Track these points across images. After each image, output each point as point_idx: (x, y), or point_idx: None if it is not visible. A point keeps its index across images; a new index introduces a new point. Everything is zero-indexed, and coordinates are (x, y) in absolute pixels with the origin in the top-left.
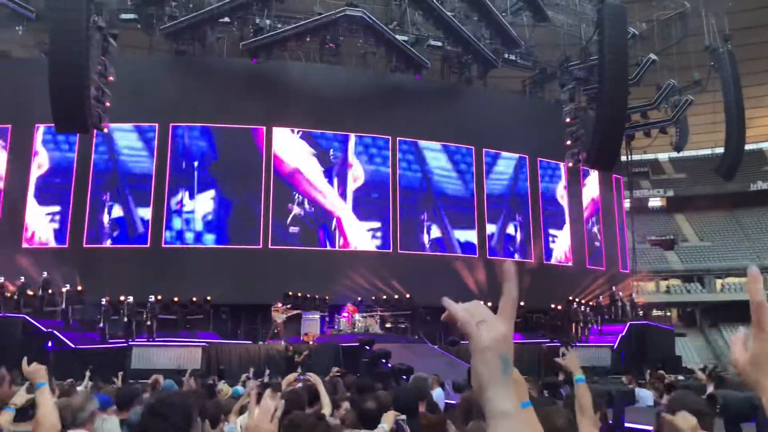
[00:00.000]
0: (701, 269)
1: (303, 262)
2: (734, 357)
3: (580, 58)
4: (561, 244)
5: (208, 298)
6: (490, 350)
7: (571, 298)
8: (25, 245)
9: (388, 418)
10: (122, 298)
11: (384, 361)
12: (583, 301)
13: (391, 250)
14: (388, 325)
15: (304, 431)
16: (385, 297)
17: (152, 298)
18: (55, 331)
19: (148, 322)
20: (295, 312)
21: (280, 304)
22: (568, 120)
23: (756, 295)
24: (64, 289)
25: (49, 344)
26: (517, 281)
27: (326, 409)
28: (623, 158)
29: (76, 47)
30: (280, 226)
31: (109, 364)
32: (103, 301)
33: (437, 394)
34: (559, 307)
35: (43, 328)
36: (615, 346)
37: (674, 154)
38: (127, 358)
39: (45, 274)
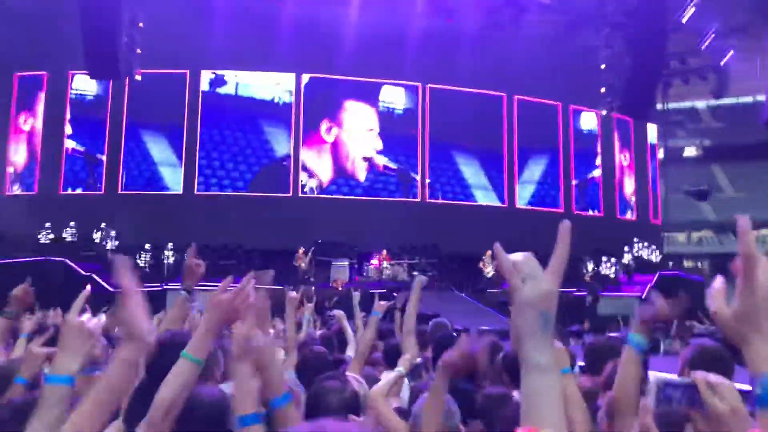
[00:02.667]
0: (735, 220)
1: (332, 210)
2: (715, 310)
3: (617, 0)
4: (592, 193)
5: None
6: (530, 306)
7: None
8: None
9: (404, 363)
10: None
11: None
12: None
13: (419, 199)
14: (415, 273)
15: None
16: (412, 246)
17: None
18: (93, 275)
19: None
20: (321, 260)
21: (301, 250)
22: (602, 66)
23: (746, 247)
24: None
25: (88, 288)
26: (569, 243)
27: (351, 348)
28: (659, 106)
29: None
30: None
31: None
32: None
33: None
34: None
35: (82, 272)
36: (643, 296)
37: (713, 102)
38: (162, 301)
39: (73, 224)
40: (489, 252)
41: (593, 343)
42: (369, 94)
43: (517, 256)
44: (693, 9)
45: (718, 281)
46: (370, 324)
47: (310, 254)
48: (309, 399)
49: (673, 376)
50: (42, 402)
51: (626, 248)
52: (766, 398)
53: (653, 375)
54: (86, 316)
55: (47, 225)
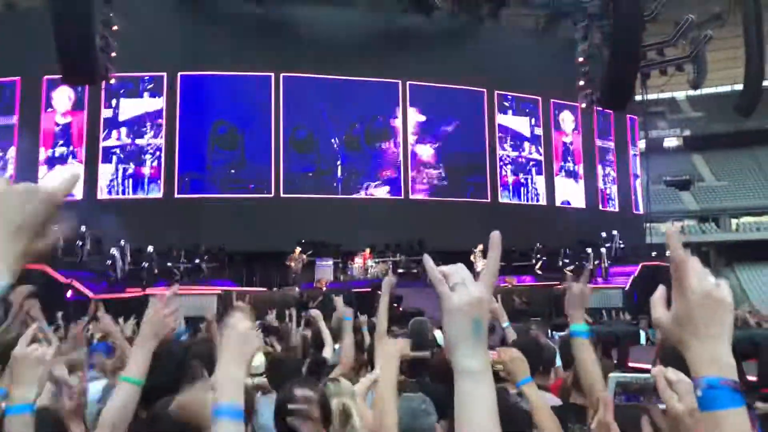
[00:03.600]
0: (717, 209)
1: (315, 210)
2: (656, 317)
3: None
4: (573, 187)
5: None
6: (460, 312)
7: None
8: None
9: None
10: (140, 247)
11: (396, 305)
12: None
13: (402, 196)
14: (400, 271)
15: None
16: (397, 243)
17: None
18: (74, 281)
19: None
20: (310, 260)
21: (298, 251)
22: (581, 59)
23: (675, 252)
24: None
25: (69, 294)
26: (501, 252)
27: (328, 348)
28: (638, 98)
29: None
30: (291, 173)
31: (127, 313)
32: (116, 251)
33: (438, 336)
34: (568, 250)
35: (63, 279)
36: (627, 287)
37: (692, 92)
38: (145, 306)
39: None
40: (480, 246)
41: (566, 337)
42: (349, 92)
43: (447, 267)
44: None
45: (659, 290)
46: (344, 329)
47: (305, 256)
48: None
49: (633, 374)
50: None
51: (604, 244)
52: (705, 401)
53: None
54: (33, 346)
55: (83, 230)
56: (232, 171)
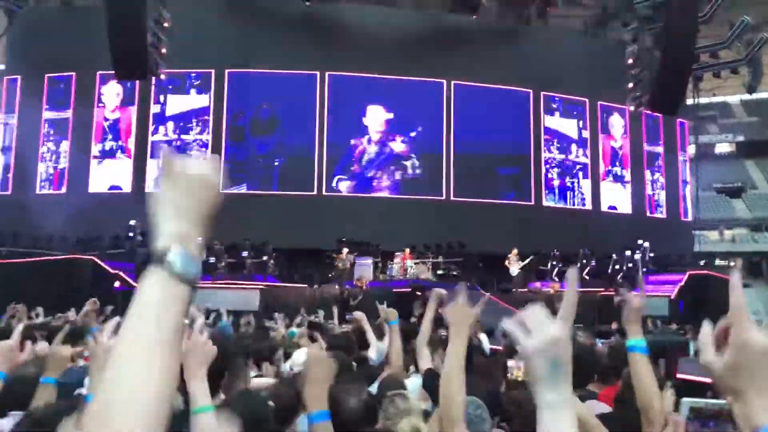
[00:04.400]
0: None
1: (356, 209)
2: (707, 361)
3: None
4: (620, 192)
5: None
6: (535, 356)
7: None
8: (91, 190)
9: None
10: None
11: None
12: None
13: (444, 197)
14: (440, 272)
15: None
16: (437, 244)
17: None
18: (121, 272)
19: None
20: (363, 261)
21: (345, 251)
22: (630, 61)
23: (737, 299)
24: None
25: (117, 285)
26: (577, 288)
27: (373, 348)
28: (689, 101)
29: None
30: (334, 173)
31: None
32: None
33: (483, 340)
34: (614, 256)
35: (110, 270)
36: (673, 296)
37: (746, 97)
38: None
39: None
40: (515, 250)
41: (617, 345)
42: (394, 91)
43: (523, 315)
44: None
45: (706, 330)
46: (392, 333)
47: (352, 257)
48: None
49: (707, 400)
50: None
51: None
52: None
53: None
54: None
55: (132, 223)
56: (275, 167)
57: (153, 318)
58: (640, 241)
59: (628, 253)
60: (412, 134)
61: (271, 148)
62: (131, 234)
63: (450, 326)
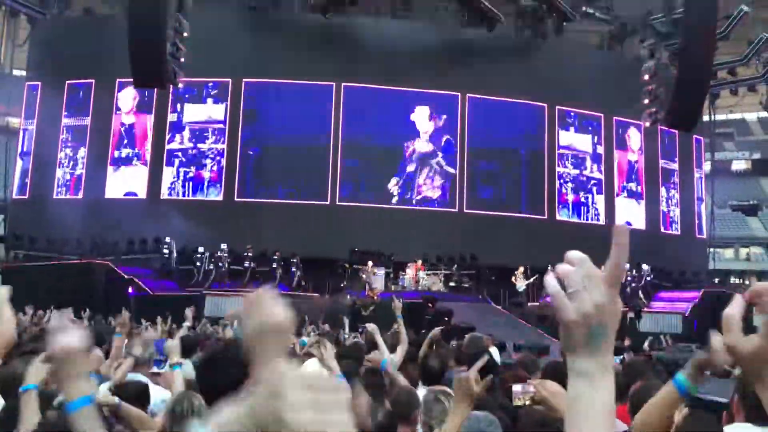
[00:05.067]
0: None
1: (369, 219)
2: (732, 341)
3: (663, 11)
4: (635, 208)
5: (278, 252)
6: (575, 324)
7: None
8: (107, 196)
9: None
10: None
11: (446, 319)
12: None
13: (456, 209)
14: (452, 284)
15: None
16: (449, 256)
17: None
18: (135, 278)
19: (222, 269)
20: (379, 271)
21: (370, 264)
22: (646, 77)
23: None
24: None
25: (130, 290)
26: (626, 247)
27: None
28: (706, 118)
29: (155, 3)
30: (347, 183)
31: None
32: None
33: (494, 353)
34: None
35: (124, 275)
36: (687, 313)
37: (763, 114)
38: (201, 306)
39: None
40: (521, 267)
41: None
42: (408, 104)
43: (567, 268)
44: (743, 17)
45: (735, 307)
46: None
47: (376, 270)
48: None
49: None
50: None
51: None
52: None
53: None
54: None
55: (249, 247)
56: (291, 177)
57: None
58: (644, 266)
59: (645, 267)
60: (424, 147)
61: (285, 158)
62: (164, 247)
63: (455, 396)
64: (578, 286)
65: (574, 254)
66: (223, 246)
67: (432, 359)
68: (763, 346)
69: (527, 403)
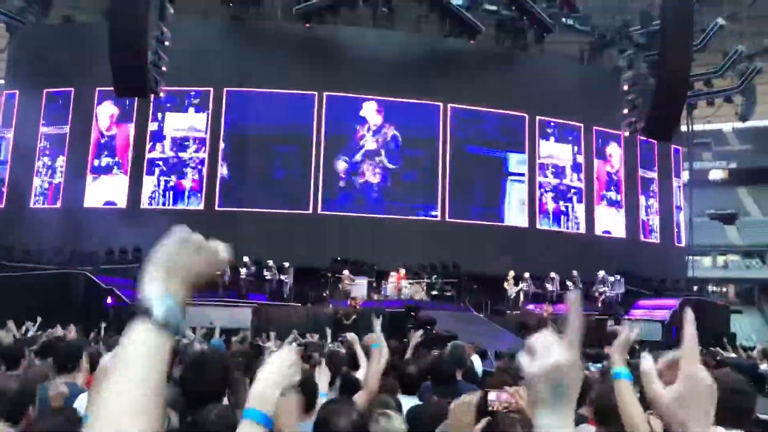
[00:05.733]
0: (762, 245)
1: (351, 228)
2: (655, 394)
3: (641, 22)
4: (615, 216)
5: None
6: (537, 380)
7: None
8: (86, 205)
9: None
10: None
11: (429, 327)
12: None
13: (439, 218)
14: (434, 293)
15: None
16: (432, 264)
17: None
18: (114, 288)
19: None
20: (359, 280)
21: (346, 273)
22: (625, 87)
23: (690, 330)
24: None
25: (109, 300)
26: (581, 312)
27: (362, 370)
28: (683, 128)
29: (135, 11)
30: (329, 192)
31: None
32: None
33: (475, 362)
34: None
35: (102, 285)
36: (666, 321)
37: (739, 125)
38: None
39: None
40: (512, 273)
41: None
42: (392, 113)
43: (534, 338)
44: (718, 30)
45: (647, 362)
46: (373, 354)
47: (355, 279)
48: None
49: None
50: None
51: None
52: None
53: None
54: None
55: (246, 259)
56: (272, 186)
57: (139, 365)
58: (610, 277)
59: (617, 276)
60: (407, 156)
61: (267, 167)
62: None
63: (449, 419)
64: (539, 350)
65: (537, 335)
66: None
67: (410, 367)
68: (683, 393)
69: (501, 410)
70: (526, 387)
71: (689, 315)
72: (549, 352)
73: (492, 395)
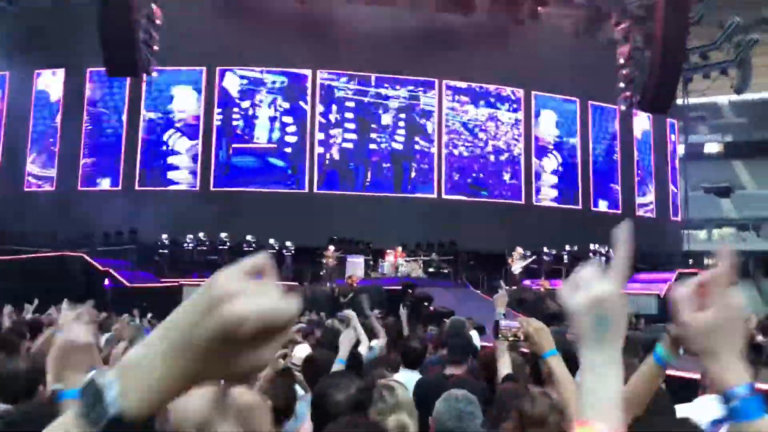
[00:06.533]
0: (757, 218)
1: (348, 207)
2: (688, 319)
3: None
4: (611, 191)
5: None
6: (579, 313)
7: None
8: (81, 187)
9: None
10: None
11: (426, 304)
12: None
13: (436, 195)
14: (431, 270)
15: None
16: (428, 242)
17: (201, 235)
18: (111, 270)
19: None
20: (339, 256)
21: (331, 249)
22: (621, 61)
23: (726, 262)
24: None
25: (106, 282)
26: (631, 244)
27: (363, 346)
28: (679, 101)
29: None
30: (325, 170)
31: (162, 302)
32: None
33: (474, 336)
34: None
35: (100, 267)
36: (662, 294)
37: (735, 98)
38: (179, 296)
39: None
40: (519, 249)
41: None
42: (386, 90)
43: (576, 275)
44: (714, 1)
45: (684, 289)
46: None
47: (338, 253)
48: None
49: None
50: None
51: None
52: (744, 409)
53: None
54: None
55: (224, 236)
56: (268, 164)
57: None
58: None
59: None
60: (401, 132)
61: (263, 145)
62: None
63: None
64: (585, 281)
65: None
66: (223, 235)
67: (413, 341)
68: (717, 319)
69: (512, 339)
70: (571, 321)
71: (726, 249)
72: (591, 284)
73: (503, 323)
